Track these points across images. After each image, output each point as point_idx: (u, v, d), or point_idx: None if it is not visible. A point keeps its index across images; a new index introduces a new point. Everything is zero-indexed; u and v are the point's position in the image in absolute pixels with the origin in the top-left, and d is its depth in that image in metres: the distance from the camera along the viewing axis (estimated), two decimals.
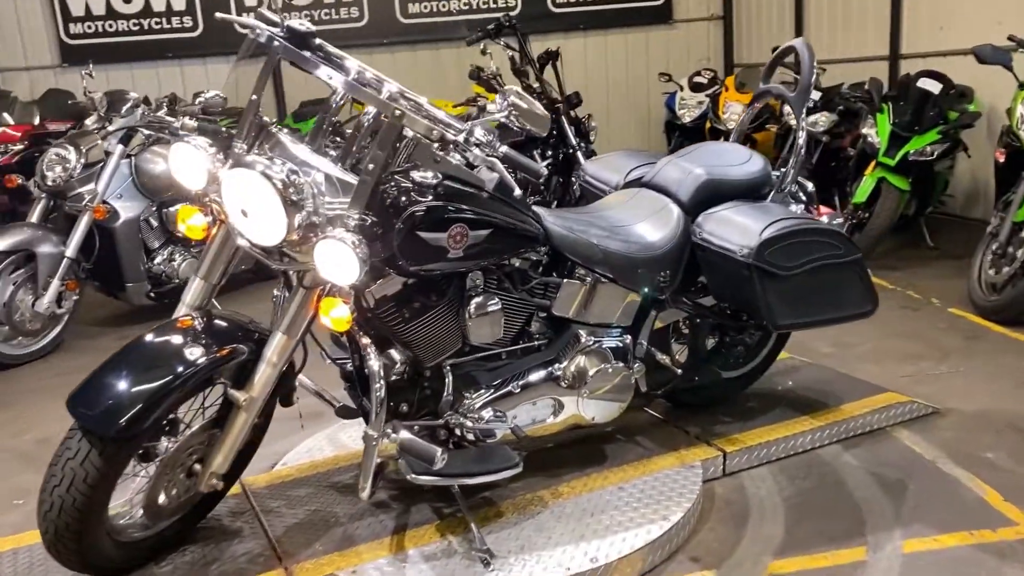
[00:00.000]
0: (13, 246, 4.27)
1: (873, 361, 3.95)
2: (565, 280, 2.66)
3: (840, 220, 3.02)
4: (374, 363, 2.23)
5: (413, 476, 2.32)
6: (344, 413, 2.69)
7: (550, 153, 5.36)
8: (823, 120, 5.85)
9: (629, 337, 2.80)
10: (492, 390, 2.58)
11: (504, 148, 2.22)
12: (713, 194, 2.82)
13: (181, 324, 2.33)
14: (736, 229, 2.69)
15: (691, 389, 3.16)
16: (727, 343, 3.13)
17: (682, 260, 2.79)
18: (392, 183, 2.24)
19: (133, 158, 4.73)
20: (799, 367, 3.70)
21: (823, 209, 3.17)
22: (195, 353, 2.23)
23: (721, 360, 3.15)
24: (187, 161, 2.28)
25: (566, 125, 5.19)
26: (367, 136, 2.32)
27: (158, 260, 4.87)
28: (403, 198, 2.23)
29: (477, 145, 2.18)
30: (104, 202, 4.57)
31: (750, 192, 2.89)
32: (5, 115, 5.69)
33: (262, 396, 2.28)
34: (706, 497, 2.82)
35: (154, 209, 4.84)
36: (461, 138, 2.18)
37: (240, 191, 2.12)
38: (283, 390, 2.48)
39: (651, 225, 2.80)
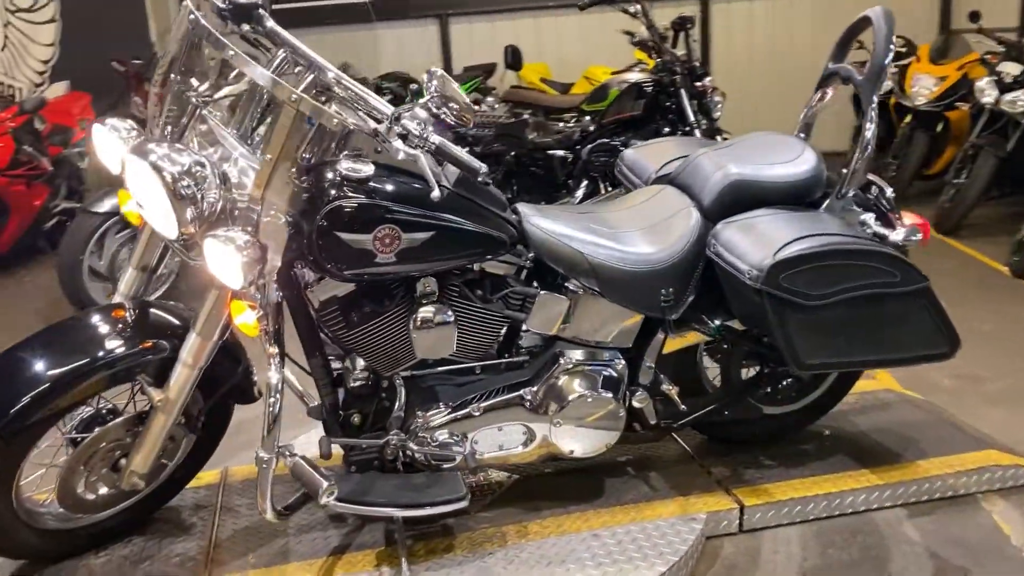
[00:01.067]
0: (116, 207, 4.45)
1: (1003, 404, 3.23)
2: (542, 292, 2.31)
3: (919, 237, 2.41)
4: (273, 375, 2.01)
5: (326, 501, 2.09)
6: (315, 413, 2.51)
7: (667, 131, 4.87)
8: None
9: (623, 361, 2.40)
10: (451, 409, 2.29)
11: (438, 140, 1.91)
12: (744, 198, 2.33)
13: (109, 313, 2.23)
14: (755, 243, 2.20)
15: (731, 422, 2.69)
16: (768, 374, 2.62)
17: (693, 275, 2.34)
18: (317, 174, 1.99)
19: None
20: (893, 403, 3.08)
21: (908, 218, 2.57)
22: (110, 345, 2.12)
23: (762, 393, 2.65)
24: (105, 144, 2.16)
25: (685, 100, 4.67)
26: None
27: None
28: (324, 192, 1.98)
29: (402, 137, 1.89)
30: None
31: (794, 197, 2.36)
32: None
33: (180, 398, 2.14)
34: (708, 556, 2.38)
35: None
36: (383, 127, 1.90)
37: (137, 180, 1.96)
38: (240, 388, 2.34)
39: (657, 233, 2.36)
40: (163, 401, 2.13)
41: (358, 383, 2.26)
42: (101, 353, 2.10)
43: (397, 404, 2.28)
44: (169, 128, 2.11)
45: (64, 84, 7.00)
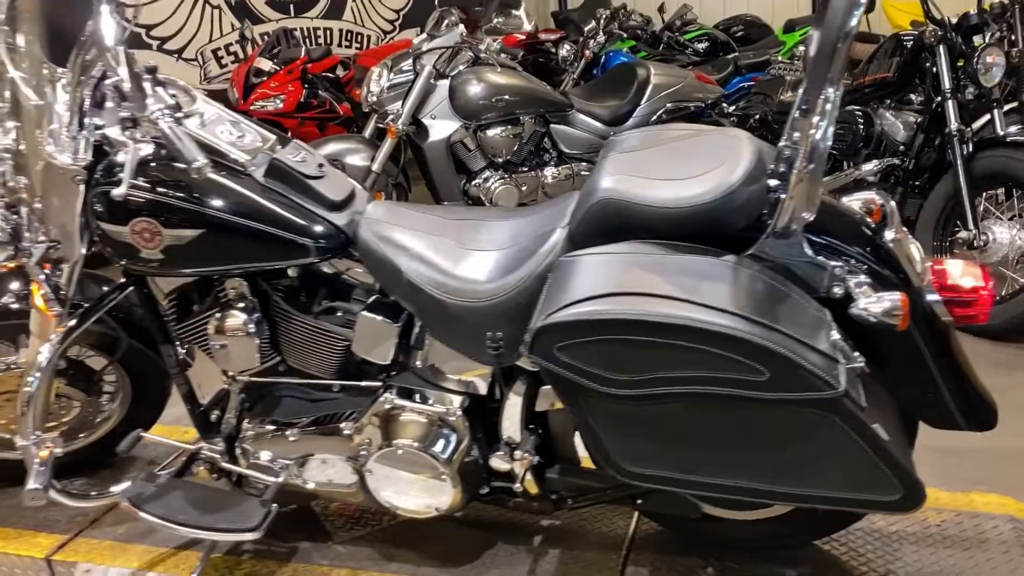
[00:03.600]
0: (324, 155, 4.71)
1: None
2: (363, 313, 1.91)
3: (897, 316, 1.50)
4: (43, 355, 1.95)
5: (30, 502, 2.00)
6: None
7: (921, 100, 3.69)
8: None
9: (459, 412, 1.89)
10: (277, 427, 2.04)
11: (168, 127, 1.66)
12: (614, 225, 1.64)
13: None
14: (554, 294, 1.55)
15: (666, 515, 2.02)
16: None
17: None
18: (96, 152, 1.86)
19: (451, 78, 4.72)
20: (985, 532, 2.04)
21: (958, 267, 1.65)
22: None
23: None
24: None
25: (943, 59, 3.47)
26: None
27: (476, 182, 4.86)
28: (92, 175, 1.84)
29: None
30: (415, 122, 4.69)
31: (687, 229, 1.60)
32: None
33: (36, 365, 2.19)
34: None
35: (471, 131, 4.79)
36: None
37: None
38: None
39: (509, 257, 1.79)
40: (27, 363, 2.20)
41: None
42: None
43: (228, 409, 2.09)
44: None
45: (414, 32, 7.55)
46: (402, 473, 1.91)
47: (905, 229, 1.74)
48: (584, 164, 4.69)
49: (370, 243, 1.87)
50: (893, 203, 1.70)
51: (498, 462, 1.90)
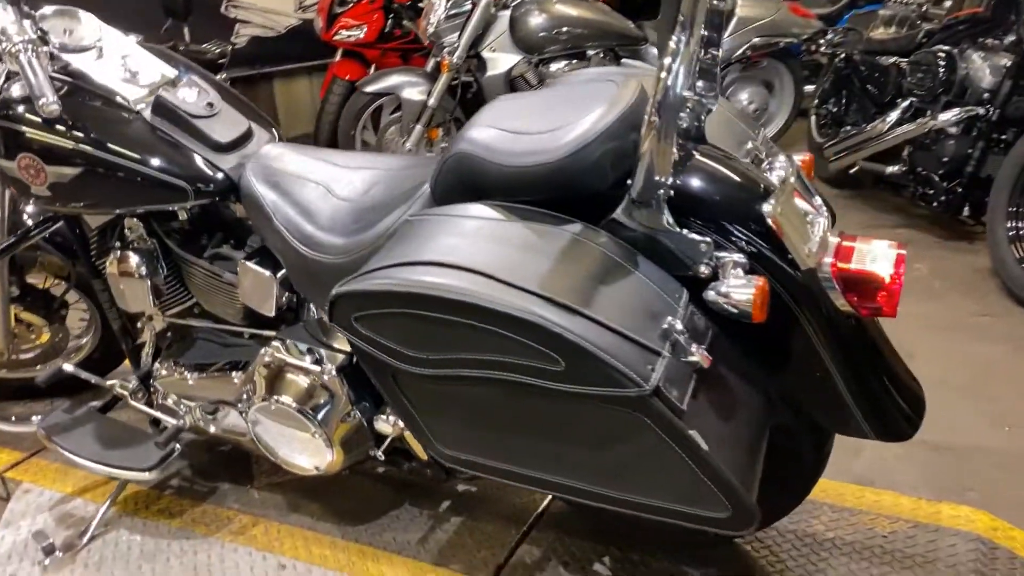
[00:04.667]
0: (381, 89, 4.63)
1: None
2: (242, 260, 1.83)
3: (747, 294, 1.27)
4: None
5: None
6: None
7: (1012, 41, 3.16)
8: None
9: (334, 371, 1.78)
10: (183, 369, 2.02)
11: (27, 61, 1.62)
12: (468, 184, 1.48)
13: None
14: (379, 256, 1.41)
15: None
16: None
17: None
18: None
19: (511, 8, 4.51)
20: (937, 550, 1.76)
21: (873, 248, 1.40)
22: None
23: None
24: None
25: None
26: None
27: None
28: None
29: None
30: (476, 55, 4.53)
31: (548, 188, 1.41)
32: None
33: None
34: None
35: (532, 65, 4.58)
36: None
37: None
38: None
39: (370, 211, 1.65)
40: None
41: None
42: None
43: (145, 349, 2.09)
44: None
45: None
46: (282, 428, 1.84)
47: (819, 201, 1.48)
48: None
49: (249, 187, 1.78)
50: (793, 166, 1.45)
51: (382, 425, 1.80)
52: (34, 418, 2.15)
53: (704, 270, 1.36)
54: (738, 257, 1.36)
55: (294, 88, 6.34)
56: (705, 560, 1.81)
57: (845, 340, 1.42)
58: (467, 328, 1.25)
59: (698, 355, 1.25)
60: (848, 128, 4.10)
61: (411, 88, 4.62)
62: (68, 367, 2.14)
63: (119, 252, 1.93)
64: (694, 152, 1.44)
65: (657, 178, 1.31)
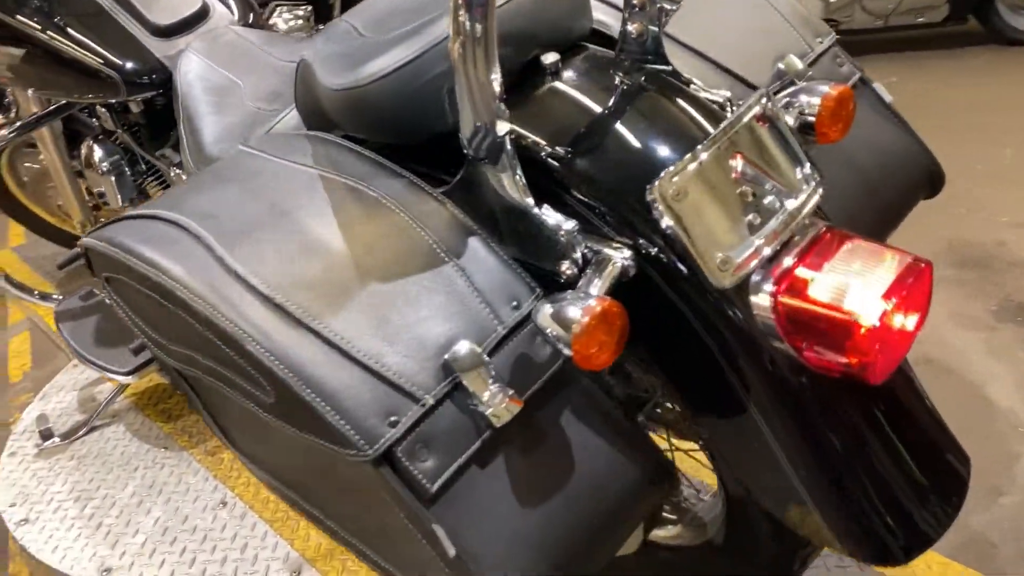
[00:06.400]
0: None
1: None
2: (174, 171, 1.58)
3: (573, 318, 0.79)
4: None
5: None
6: None
7: None
8: None
9: None
10: None
11: None
12: (313, 106, 1.08)
13: None
14: (157, 200, 1.08)
15: None
16: None
17: None
18: None
19: None
20: None
21: (825, 261, 0.86)
22: None
23: None
24: None
25: None
26: None
27: None
28: None
29: None
30: None
31: (372, 129, 0.99)
32: None
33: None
34: None
35: None
36: None
37: None
38: None
39: (246, 124, 1.32)
40: None
41: None
42: None
43: None
44: None
45: None
46: None
47: (801, 174, 0.92)
48: None
49: (176, 81, 1.50)
50: (763, 107, 0.89)
51: None
52: (55, 296, 2.13)
53: (566, 268, 0.89)
54: (622, 256, 0.87)
55: None
56: None
57: (811, 422, 0.89)
58: (184, 323, 0.91)
59: (496, 404, 0.82)
60: None
61: None
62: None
63: (88, 143, 1.77)
64: (623, 82, 0.94)
65: (476, 122, 0.85)
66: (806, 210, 0.89)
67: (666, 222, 0.83)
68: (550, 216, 0.88)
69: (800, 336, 0.85)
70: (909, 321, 0.84)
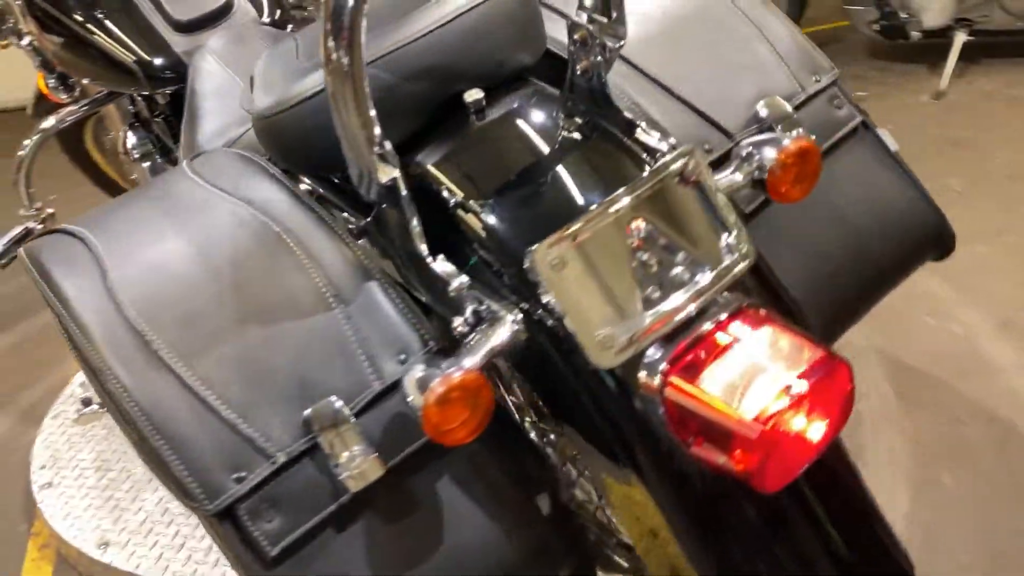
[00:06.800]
0: None
1: None
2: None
3: (423, 392, 0.72)
4: None
5: None
6: None
7: None
8: None
9: None
10: None
11: None
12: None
13: None
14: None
15: None
16: None
17: None
18: None
19: None
20: None
21: (731, 342, 0.77)
22: None
23: None
24: None
25: None
26: None
27: None
28: None
29: None
30: None
31: (291, 158, 0.95)
32: None
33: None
34: None
35: None
36: None
37: None
38: None
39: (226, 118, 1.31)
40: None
41: None
42: None
43: None
44: None
45: None
46: None
47: (726, 242, 0.82)
48: None
49: (189, 78, 1.51)
50: (686, 163, 0.80)
51: None
52: None
53: (458, 325, 0.83)
54: (512, 320, 0.81)
55: None
56: None
57: (711, 526, 0.81)
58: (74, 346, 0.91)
59: (352, 468, 0.77)
60: None
61: None
62: None
63: (124, 130, 1.82)
64: (545, 127, 0.87)
65: (350, 155, 0.79)
66: (720, 285, 0.79)
67: (542, 293, 0.76)
68: (441, 268, 0.82)
69: (686, 428, 0.76)
70: (814, 428, 0.74)
